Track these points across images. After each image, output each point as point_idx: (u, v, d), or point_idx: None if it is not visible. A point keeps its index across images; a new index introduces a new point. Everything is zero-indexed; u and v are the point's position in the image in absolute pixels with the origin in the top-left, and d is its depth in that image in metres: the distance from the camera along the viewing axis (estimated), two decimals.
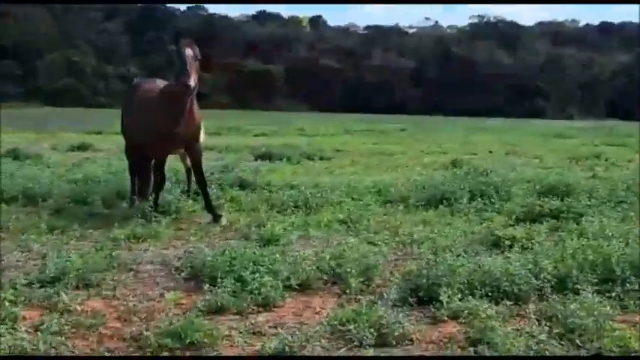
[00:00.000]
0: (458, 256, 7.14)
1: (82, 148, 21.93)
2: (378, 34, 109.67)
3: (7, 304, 5.86)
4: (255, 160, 19.59)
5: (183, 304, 6.32)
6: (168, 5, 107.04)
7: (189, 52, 9.44)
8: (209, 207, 10.08)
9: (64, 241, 8.49)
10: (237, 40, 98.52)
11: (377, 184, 12.94)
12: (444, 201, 11.07)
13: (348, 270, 6.90)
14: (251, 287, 6.40)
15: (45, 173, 13.71)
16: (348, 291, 6.64)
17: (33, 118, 46.04)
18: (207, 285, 6.46)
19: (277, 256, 7.24)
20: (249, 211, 10.70)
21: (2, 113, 50.49)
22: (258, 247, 7.77)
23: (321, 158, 20.40)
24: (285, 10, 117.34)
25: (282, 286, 6.61)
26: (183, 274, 7.11)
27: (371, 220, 10.00)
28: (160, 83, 10.70)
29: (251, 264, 6.89)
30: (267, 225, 9.13)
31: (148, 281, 7.02)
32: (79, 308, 5.98)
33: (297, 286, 6.76)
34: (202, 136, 11.82)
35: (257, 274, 6.64)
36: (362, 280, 6.83)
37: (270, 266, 6.91)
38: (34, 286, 6.41)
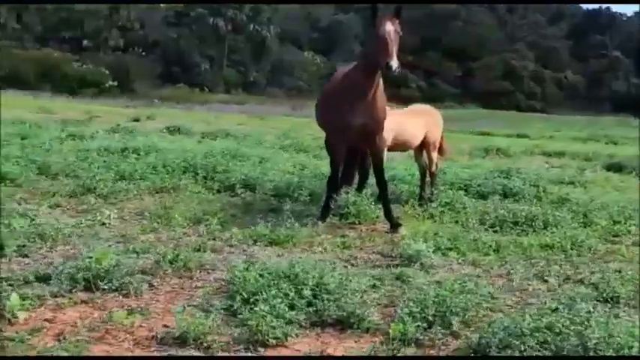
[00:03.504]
0: (594, 308, 4.85)
1: None
2: None
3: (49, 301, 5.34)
4: (600, 170, 16.82)
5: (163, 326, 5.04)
6: (613, 9, 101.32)
7: (389, 27, 7.76)
8: (388, 213, 8.41)
9: (199, 233, 7.71)
10: None
11: None
12: None
13: (419, 308, 5.03)
14: (255, 316, 4.89)
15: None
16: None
17: (463, 119, 45.35)
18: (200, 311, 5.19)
19: (343, 278, 5.58)
20: (453, 223, 8.76)
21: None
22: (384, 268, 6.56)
23: None
24: None
25: (310, 320, 5.09)
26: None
27: (584, 249, 7.48)
28: None
29: (289, 285, 5.35)
30: (408, 242, 7.29)
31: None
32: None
33: (332, 322, 5.11)
34: (437, 136, 10.20)
35: (278, 300, 5.09)
36: (423, 324, 4.94)
37: (307, 292, 5.31)
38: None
